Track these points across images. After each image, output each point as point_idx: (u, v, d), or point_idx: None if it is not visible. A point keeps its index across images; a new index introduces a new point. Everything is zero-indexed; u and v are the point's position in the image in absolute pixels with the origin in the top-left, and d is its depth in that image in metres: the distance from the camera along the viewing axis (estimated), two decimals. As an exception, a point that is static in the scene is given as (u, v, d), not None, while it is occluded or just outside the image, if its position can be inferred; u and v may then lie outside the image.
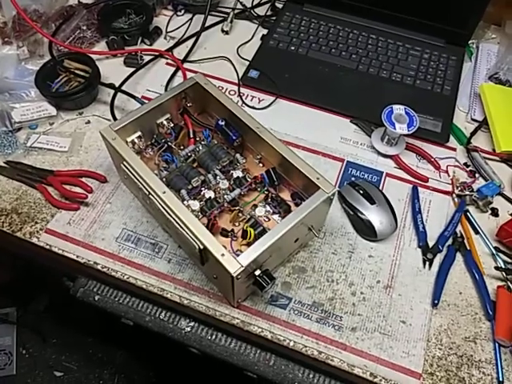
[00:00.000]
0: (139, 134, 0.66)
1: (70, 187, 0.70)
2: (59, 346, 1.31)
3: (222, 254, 0.50)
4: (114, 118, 0.75)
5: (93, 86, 0.77)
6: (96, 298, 0.65)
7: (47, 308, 1.35)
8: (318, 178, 0.57)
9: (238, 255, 0.51)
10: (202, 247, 0.52)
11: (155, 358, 1.27)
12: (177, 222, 0.54)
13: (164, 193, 0.56)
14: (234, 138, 0.66)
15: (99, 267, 0.63)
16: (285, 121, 0.78)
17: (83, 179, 0.71)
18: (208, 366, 0.77)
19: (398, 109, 0.71)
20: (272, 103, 0.80)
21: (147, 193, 0.57)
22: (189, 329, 0.61)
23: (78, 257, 0.64)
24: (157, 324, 0.62)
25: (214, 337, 0.60)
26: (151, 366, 1.27)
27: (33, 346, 1.31)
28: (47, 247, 0.65)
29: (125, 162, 0.59)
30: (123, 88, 0.80)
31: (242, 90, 0.82)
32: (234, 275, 0.49)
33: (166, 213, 0.55)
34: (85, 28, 0.85)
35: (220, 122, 0.67)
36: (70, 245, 0.65)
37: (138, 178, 0.57)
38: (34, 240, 0.65)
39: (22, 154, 0.73)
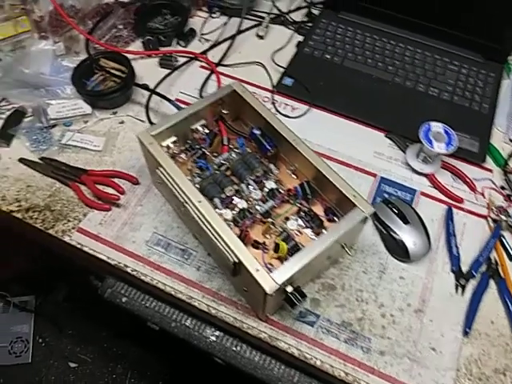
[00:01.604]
0: (174, 139, 0.65)
1: (102, 187, 0.70)
2: (75, 338, 1.33)
3: (257, 270, 0.50)
4: (149, 120, 0.75)
5: (128, 86, 0.77)
6: (123, 299, 0.66)
7: (66, 299, 1.37)
8: (354, 196, 0.56)
9: (269, 269, 0.51)
10: (236, 261, 0.51)
11: (169, 356, 1.28)
12: (212, 233, 0.54)
13: (200, 202, 0.56)
14: (268, 148, 0.65)
15: (129, 270, 0.64)
16: (318, 131, 0.77)
17: (115, 180, 0.71)
18: (227, 374, 0.77)
19: (437, 126, 0.70)
20: (306, 112, 0.80)
21: (182, 201, 0.57)
22: (214, 338, 0.61)
23: (108, 258, 0.64)
24: (182, 331, 0.62)
25: (239, 348, 0.60)
26: (165, 362, 1.29)
27: (49, 335, 1.33)
28: (78, 246, 0.65)
29: (161, 168, 0.59)
30: (157, 90, 0.80)
31: (276, 97, 0.82)
32: (269, 293, 0.49)
33: (200, 222, 0.55)
34: (121, 27, 0.85)
35: (255, 131, 0.67)
36: (100, 245, 0.65)
37: (174, 185, 0.57)
38: (66, 238, 0.66)
39: (57, 151, 0.73)
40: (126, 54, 0.80)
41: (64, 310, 1.37)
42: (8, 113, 0.77)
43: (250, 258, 0.51)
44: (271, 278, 0.49)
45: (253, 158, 0.66)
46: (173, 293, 0.62)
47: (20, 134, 0.75)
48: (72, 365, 1.30)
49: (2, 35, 0.84)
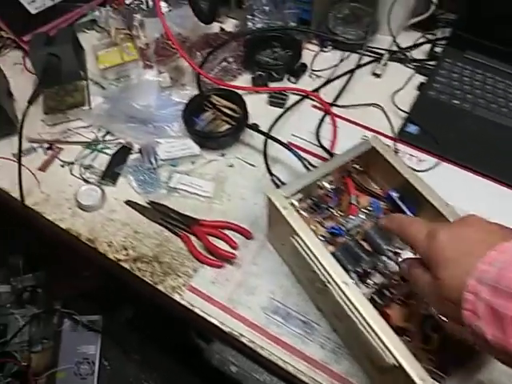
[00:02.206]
0: (300, 196, 0.59)
1: (212, 238, 0.65)
2: (140, 363, 1.29)
3: (423, 379, 0.43)
4: (269, 172, 0.68)
5: (241, 128, 0.72)
6: (233, 369, 0.61)
7: (130, 321, 1.34)
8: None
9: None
10: (396, 364, 0.44)
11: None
12: (363, 326, 0.47)
13: (346, 284, 0.49)
14: (409, 214, 0.58)
15: (244, 340, 0.58)
16: (449, 189, 0.67)
17: (226, 231, 0.65)
18: None
19: None
20: (434, 166, 0.71)
21: (324, 280, 0.50)
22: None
23: (222, 324, 0.59)
24: (303, 416, 0.55)
25: None
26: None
27: (115, 358, 1.30)
28: (189, 307, 0.60)
29: (297, 237, 0.52)
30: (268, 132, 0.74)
31: (399, 145, 0.74)
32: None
33: (347, 309, 0.48)
34: (231, 60, 0.80)
35: (393, 194, 0.59)
36: (213, 308, 0.60)
37: (314, 259, 0.51)
38: (177, 297, 0.61)
39: (164, 194, 0.69)
40: (238, 92, 0.74)
41: (129, 332, 1.34)
42: (114, 148, 0.73)
43: (413, 363, 0.43)
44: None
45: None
46: (293, 372, 0.55)
47: (126, 173, 0.70)
48: (136, 392, 1.26)
49: (109, 63, 0.81)
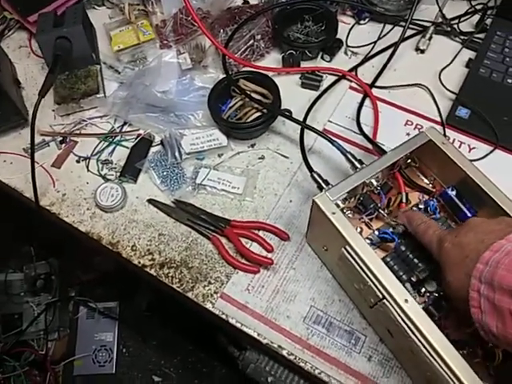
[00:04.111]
0: (346, 195, 0.53)
1: (245, 241, 0.59)
2: (159, 349, 1.27)
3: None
4: (309, 168, 0.59)
5: (274, 116, 0.65)
6: (269, 379, 0.56)
7: (149, 307, 1.31)
8: None
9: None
10: (465, 392, 0.39)
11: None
12: (426, 349, 0.41)
13: (406, 301, 0.43)
14: (468, 215, 0.51)
15: (284, 353, 0.53)
16: (503, 179, 0.61)
17: (260, 233, 0.60)
18: None
19: None
20: (488, 154, 0.64)
21: (380, 296, 0.44)
22: None
23: (258, 335, 0.54)
24: None
25: None
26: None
27: (133, 345, 1.28)
28: (223, 317, 0.55)
29: (349, 248, 0.46)
30: (298, 116, 0.67)
31: (448, 131, 0.66)
32: None
33: (407, 329, 0.42)
34: (258, 37, 0.72)
35: (449, 192, 0.53)
36: (249, 318, 0.55)
37: (368, 273, 0.45)
38: (209, 306, 0.56)
39: (190, 192, 0.63)
40: (270, 76, 0.66)
41: (147, 319, 1.31)
42: (133, 141, 0.66)
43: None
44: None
45: (448, 228, 0.52)
46: (337, 386, 0.51)
47: (147, 168, 0.64)
48: (156, 379, 1.24)
49: (124, 44, 0.73)
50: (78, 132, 0.68)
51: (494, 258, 0.38)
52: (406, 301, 0.43)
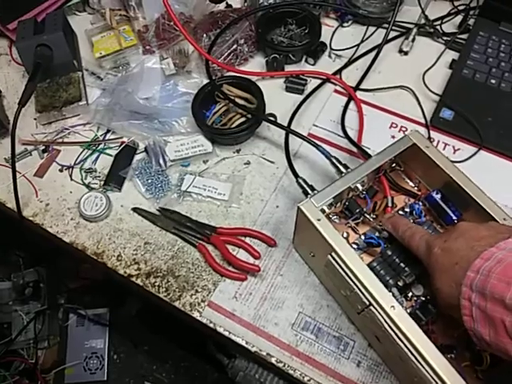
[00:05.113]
0: (331, 201, 0.52)
1: (231, 248, 0.59)
2: (151, 355, 1.26)
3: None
4: (294, 174, 0.58)
5: (258, 121, 0.64)
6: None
7: (139, 312, 1.30)
8: None
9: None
10: (452, 398, 0.39)
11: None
12: (413, 355, 0.41)
13: (393, 308, 0.43)
14: (453, 218, 0.52)
15: (273, 360, 0.53)
16: (489, 182, 0.61)
17: (247, 239, 0.59)
18: None
19: None
20: (472, 156, 0.64)
21: (367, 302, 0.44)
22: None
23: (247, 343, 0.54)
24: None
25: None
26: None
27: (124, 351, 1.27)
28: (211, 325, 0.55)
29: (334, 255, 0.46)
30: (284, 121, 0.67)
31: (432, 133, 0.67)
32: None
33: (394, 335, 0.42)
34: (242, 42, 0.71)
35: (434, 195, 0.53)
36: (237, 326, 0.54)
37: (354, 279, 0.45)
38: (196, 314, 0.55)
39: (176, 199, 0.62)
40: (254, 81, 0.66)
41: (137, 324, 1.30)
42: (117, 148, 0.66)
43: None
44: None
45: (431, 230, 0.52)
46: (327, 393, 0.51)
47: (132, 176, 0.63)
48: (148, 385, 1.24)
49: (106, 50, 0.72)
50: (60, 140, 0.67)
51: (484, 267, 0.38)
52: (393, 307, 0.43)
